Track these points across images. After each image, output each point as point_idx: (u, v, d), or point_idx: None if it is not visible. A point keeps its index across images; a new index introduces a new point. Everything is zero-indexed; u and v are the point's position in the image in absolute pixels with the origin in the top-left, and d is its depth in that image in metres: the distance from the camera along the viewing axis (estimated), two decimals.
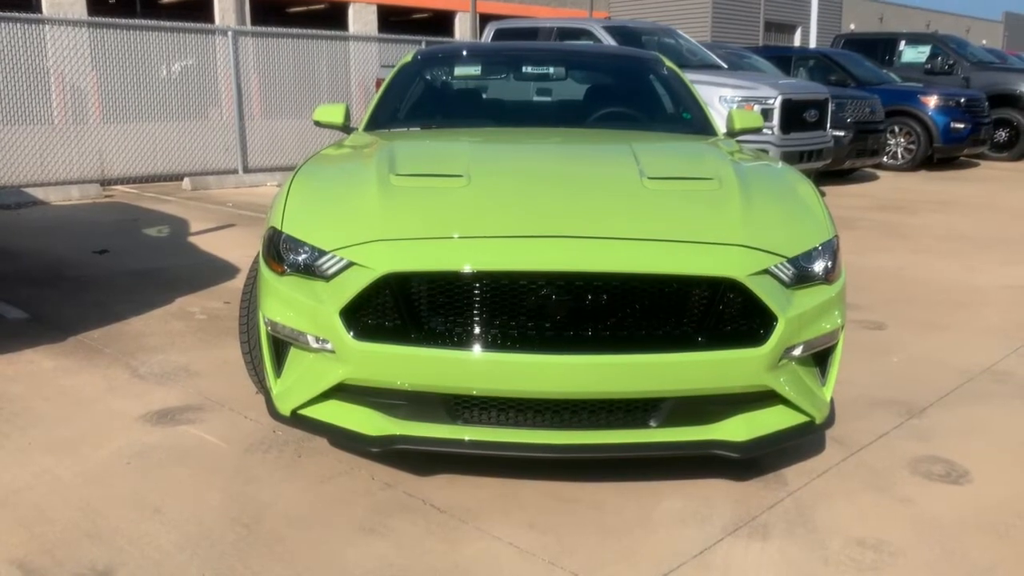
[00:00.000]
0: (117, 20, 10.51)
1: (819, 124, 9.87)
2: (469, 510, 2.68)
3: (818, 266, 2.80)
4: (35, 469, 2.94)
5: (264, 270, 2.89)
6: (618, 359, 2.52)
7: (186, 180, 10.29)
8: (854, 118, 11.32)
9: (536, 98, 5.01)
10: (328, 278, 2.67)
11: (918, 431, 3.36)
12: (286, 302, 2.75)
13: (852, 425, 3.36)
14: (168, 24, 10.78)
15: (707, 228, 2.72)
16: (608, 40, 10.23)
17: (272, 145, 11.34)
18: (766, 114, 9.16)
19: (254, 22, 23.56)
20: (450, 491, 2.79)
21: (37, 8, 20.40)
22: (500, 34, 11.43)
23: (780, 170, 3.49)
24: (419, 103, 4.64)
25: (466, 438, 2.65)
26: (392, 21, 28.54)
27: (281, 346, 2.85)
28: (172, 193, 9.85)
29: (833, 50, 15.67)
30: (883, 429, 3.36)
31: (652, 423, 2.66)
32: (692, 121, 4.41)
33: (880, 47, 16.22)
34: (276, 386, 2.86)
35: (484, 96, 4.93)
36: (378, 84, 11.81)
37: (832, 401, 2.95)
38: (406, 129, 4.28)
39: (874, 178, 12.34)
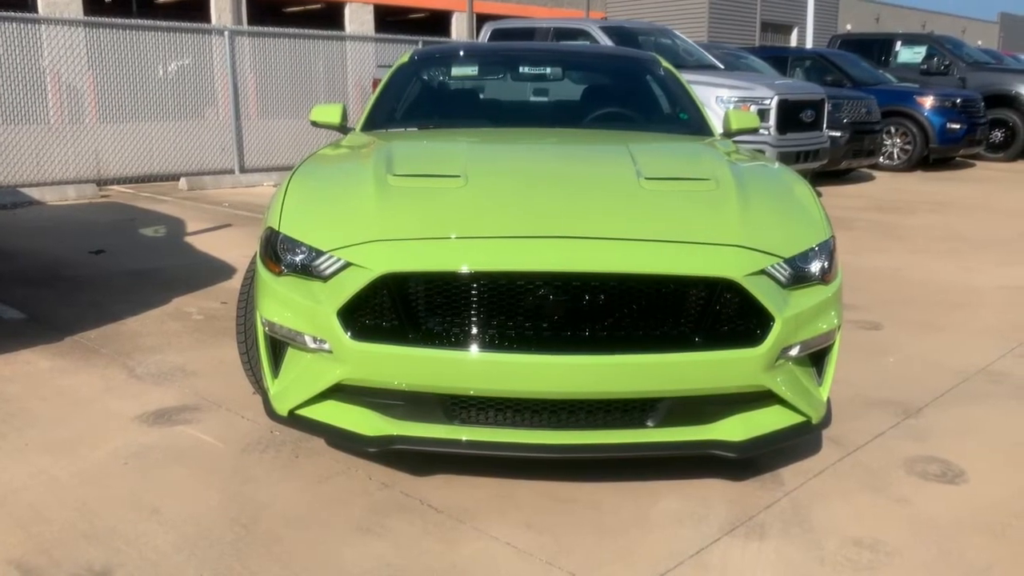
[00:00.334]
0: (113, 20, 10.49)
1: (815, 124, 9.89)
2: (466, 510, 2.69)
3: (814, 266, 2.80)
4: (32, 469, 2.94)
5: (261, 270, 2.89)
6: (615, 359, 2.52)
7: (182, 180, 10.28)
8: (850, 118, 11.34)
9: (533, 98, 5.01)
10: (326, 278, 2.67)
11: (914, 431, 3.37)
12: (283, 302, 2.75)
13: (848, 425, 3.37)
14: (164, 24, 10.77)
15: (704, 228, 2.72)
16: (605, 40, 10.24)
17: (268, 145, 11.33)
18: (762, 114, 9.17)
19: (251, 22, 23.53)
20: (447, 491, 2.80)
21: (33, 8, 20.35)
22: (497, 34, 11.44)
23: (777, 171, 3.50)
24: (416, 103, 4.65)
25: (463, 438, 2.65)
26: (389, 21, 28.52)
27: (278, 346, 2.85)
28: (168, 193, 9.84)
29: (829, 50, 15.71)
30: (879, 429, 3.37)
31: (649, 423, 2.67)
32: (689, 122, 4.42)
33: (876, 47, 16.25)
34: (273, 386, 2.86)
35: (481, 96, 4.93)
36: (375, 84, 11.81)
37: (829, 401, 2.96)
38: (403, 129, 4.28)
39: (870, 178, 12.36)
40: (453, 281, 2.56)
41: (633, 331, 2.57)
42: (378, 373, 2.61)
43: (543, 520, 2.63)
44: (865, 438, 3.28)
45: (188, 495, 2.77)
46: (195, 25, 11.40)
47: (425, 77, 4.86)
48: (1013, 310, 5.23)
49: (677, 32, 11.78)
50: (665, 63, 4.90)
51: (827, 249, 2.88)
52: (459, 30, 29.40)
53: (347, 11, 27.32)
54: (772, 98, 9.28)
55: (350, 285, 2.58)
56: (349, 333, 2.59)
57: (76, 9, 20.83)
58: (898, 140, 13.18)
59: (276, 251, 2.82)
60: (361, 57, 12.83)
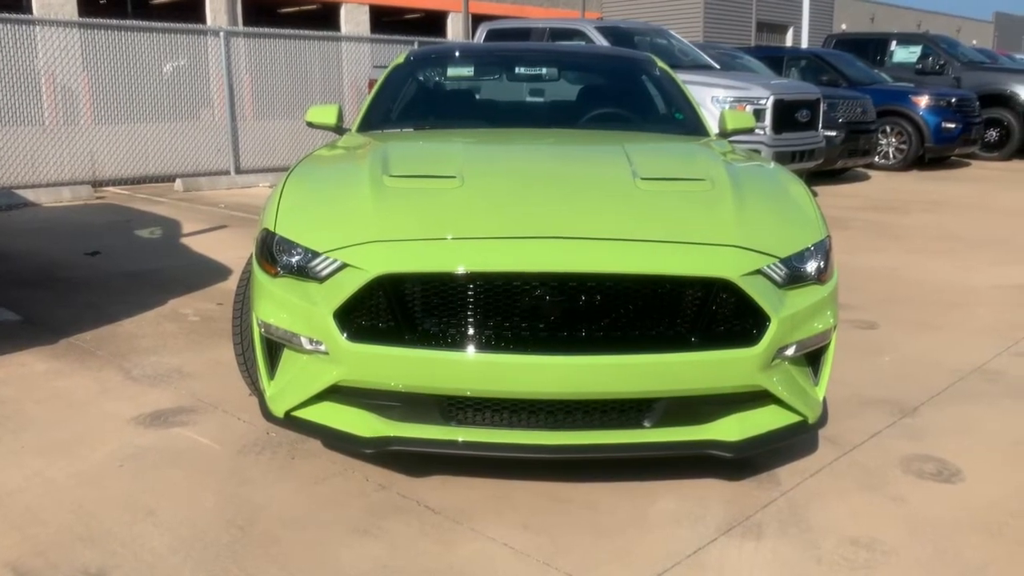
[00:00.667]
0: (108, 21, 10.47)
1: (811, 124, 9.90)
2: (463, 511, 2.68)
3: (810, 266, 2.81)
4: (28, 472, 2.93)
5: (257, 272, 2.88)
6: (612, 360, 2.52)
7: (178, 181, 10.26)
8: (846, 118, 11.36)
9: (529, 99, 5.01)
10: (322, 280, 2.66)
11: (910, 430, 3.37)
12: (279, 304, 2.75)
13: (845, 424, 3.37)
14: (159, 25, 10.75)
15: (700, 229, 2.72)
16: (600, 40, 10.24)
17: (264, 146, 11.32)
18: (758, 114, 9.18)
19: (246, 23, 23.52)
20: (444, 492, 2.80)
21: (28, 9, 20.31)
22: (492, 35, 11.43)
23: (772, 170, 3.50)
24: (412, 104, 4.64)
25: (460, 439, 2.65)
26: (384, 21, 28.51)
27: (274, 348, 2.85)
28: (164, 194, 9.82)
29: (825, 50, 15.72)
30: (875, 428, 3.37)
31: (646, 423, 2.67)
32: (684, 122, 4.42)
33: (871, 47, 16.28)
34: (270, 388, 2.86)
35: (477, 97, 4.93)
36: (370, 85, 11.81)
37: (825, 400, 2.96)
38: (399, 130, 4.28)
39: (866, 178, 12.38)
40: (449, 282, 2.55)
41: (629, 331, 2.57)
42: (374, 374, 2.61)
43: (540, 521, 2.63)
44: (861, 437, 3.28)
45: (184, 497, 2.77)
46: (190, 26, 11.38)
47: (421, 78, 4.86)
48: (1009, 309, 5.24)
49: (673, 32, 11.79)
50: (661, 63, 4.90)
51: (823, 249, 2.88)
52: (455, 30, 29.40)
53: (343, 11, 27.31)
54: (768, 98, 9.29)
55: (346, 286, 2.58)
56: (345, 334, 2.58)
57: (71, 10, 20.80)
58: (893, 139, 13.21)
59: (272, 252, 2.82)
60: (357, 58, 12.83)
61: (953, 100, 13.21)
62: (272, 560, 2.42)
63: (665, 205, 2.90)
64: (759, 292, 2.61)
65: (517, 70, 4.85)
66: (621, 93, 4.82)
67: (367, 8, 27.57)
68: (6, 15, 9.53)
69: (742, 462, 2.93)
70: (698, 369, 2.58)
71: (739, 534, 2.58)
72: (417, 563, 2.42)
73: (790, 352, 2.72)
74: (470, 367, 2.54)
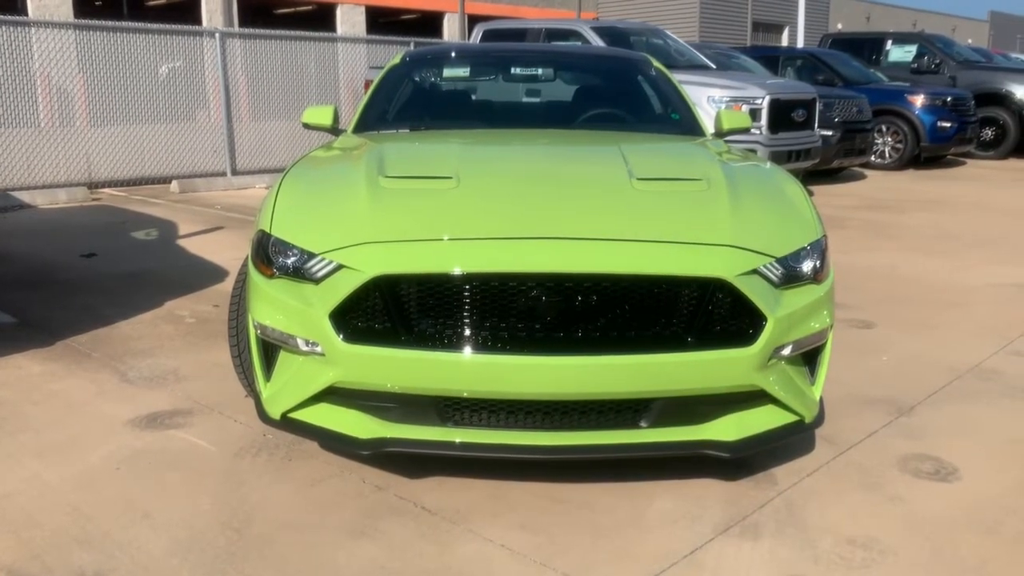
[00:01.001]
0: (104, 22, 10.45)
1: (807, 124, 9.91)
2: (460, 512, 2.68)
3: (806, 266, 2.81)
4: (24, 474, 2.93)
5: (253, 273, 2.88)
6: (608, 360, 2.52)
7: (174, 183, 10.25)
8: (842, 118, 11.37)
9: (525, 99, 5.01)
10: (317, 281, 2.66)
11: (907, 429, 3.37)
12: (275, 305, 2.74)
13: (842, 423, 3.37)
14: (155, 26, 10.74)
15: (696, 229, 2.72)
16: (596, 41, 10.24)
17: (261, 147, 11.31)
18: (754, 114, 9.19)
19: (242, 24, 23.49)
20: (441, 493, 2.79)
21: (23, 10, 20.28)
22: (488, 35, 11.43)
23: (768, 170, 3.50)
24: (408, 105, 4.64)
25: (457, 440, 2.64)
26: (381, 22, 28.50)
27: (271, 349, 2.84)
28: (160, 196, 9.81)
29: (820, 50, 15.74)
30: (872, 427, 3.37)
31: (643, 423, 2.67)
32: (680, 122, 4.42)
33: (867, 47, 16.29)
34: (266, 389, 2.85)
35: (473, 97, 4.93)
36: (366, 85, 11.79)
37: (821, 400, 2.96)
38: (395, 131, 4.27)
39: (862, 177, 12.39)
40: (445, 283, 2.55)
41: (626, 331, 2.57)
42: (371, 376, 2.60)
43: (537, 521, 2.63)
44: (858, 436, 3.28)
45: (181, 499, 2.76)
46: (186, 28, 11.37)
47: (417, 78, 4.85)
48: (1004, 308, 5.25)
49: (669, 32, 11.79)
50: (656, 63, 4.90)
51: (819, 248, 2.88)
52: (451, 31, 29.39)
53: (339, 12, 27.29)
54: (764, 98, 9.30)
55: (342, 287, 2.58)
56: (341, 336, 2.58)
57: (66, 11, 20.76)
58: (889, 139, 13.23)
59: (268, 254, 2.81)
60: (353, 58, 12.82)
61: (949, 99, 13.23)
62: (268, 562, 2.41)
63: (661, 205, 2.90)
64: (755, 292, 2.61)
65: (513, 71, 4.85)
66: (617, 93, 4.82)
67: (363, 9, 27.56)
68: (1, 17, 9.51)
69: (739, 462, 2.93)
70: (694, 369, 2.58)
71: (736, 534, 2.58)
72: (414, 564, 2.41)
73: (786, 352, 2.72)
74: (467, 368, 2.54)
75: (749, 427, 2.71)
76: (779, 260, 2.72)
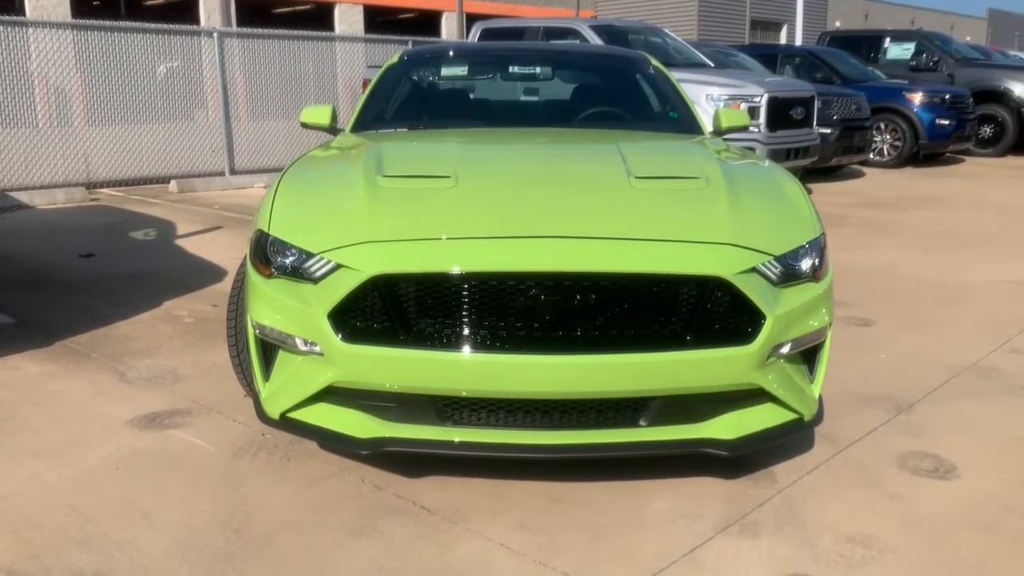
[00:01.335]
0: (102, 22, 10.44)
1: (805, 122, 9.91)
2: (459, 511, 2.68)
3: (805, 264, 2.80)
4: (23, 475, 2.92)
5: (251, 273, 2.87)
6: (607, 359, 2.52)
7: (173, 183, 10.24)
8: (840, 115, 11.37)
9: (523, 98, 5.01)
10: (316, 280, 2.66)
11: (906, 427, 3.37)
12: (274, 305, 2.74)
13: (841, 422, 3.37)
14: (153, 26, 10.73)
15: (694, 227, 2.72)
16: (595, 39, 10.24)
17: (259, 147, 11.30)
18: (753, 112, 9.19)
19: (240, 23, 23.47)
20: (440, 492, 2.79)
21: (20, 10, 20.26)
22: (487, 34, 11.43)
23: (767, 168, 3.50)
24: (406, 104, 4.64)
25: (456, 439, 2.64)
26: (379, 21, 28.49)
27: (269, 349, 2.84)
28: (159, 196, 9.80)
29: (819, 48, 15.73)
30: (871, 425, 3.37)
31: (642, 422, 2.66)
32: (679, 120, 4.42)
33: (865, 44, 16.28)
34: (265, 389, 2.85)
35: (471, 96, 4.92)
36: (365, 84, 11.79)
37: (821, 398, 2.96)
38: (393, 130, 4.27)
39: (860, 175, 12.39)
40: (444, 282, 2.55)
41: (624, 330, 2.57)
42: (369, 375, 2.60)
43: (536, 520, 2.63)
44: (858, 434, 3.28)
45: (180, 499, 2.76)
46: (184, 27, 11.36)
47: (415, 78, 4.85)
48: (1003, 305, 5.25)
49: (667, 31, 11.78)
50: (655, 62, 4.90)
51: (818, 246, 2.88)
52: (449, 30, 29.38)
53: (337, 11, 27.28)
54: (762, 96, 9.30)
55: (341, 287, 2.57)
56: (340, 335, 2.58)
57: (64, 11, 20.75)
58: (888, 136, 13.22)
59: (266, 253, 2.81)
60: (351, 58, 12.81)
61: (947, 97, 13.23)
62: (268, 563, 2.41)
63: (659, 203, 2.89)
64: (754, 290, 2.61)
65: (511, 69, 4.85)
66: (615, 92, 4.82)
67: (361, 8, 27.55)
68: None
69: (739, 460, 2.93)
70: (693, 367, 2.58)
71: (736, 532, 2.58)
72: (414, 564, 2.41)
73: (785, 350, 2.72)
74: (465, 367, 2.53)
75: (748, 425, 2.71)
76: (778, 258, 2.72)
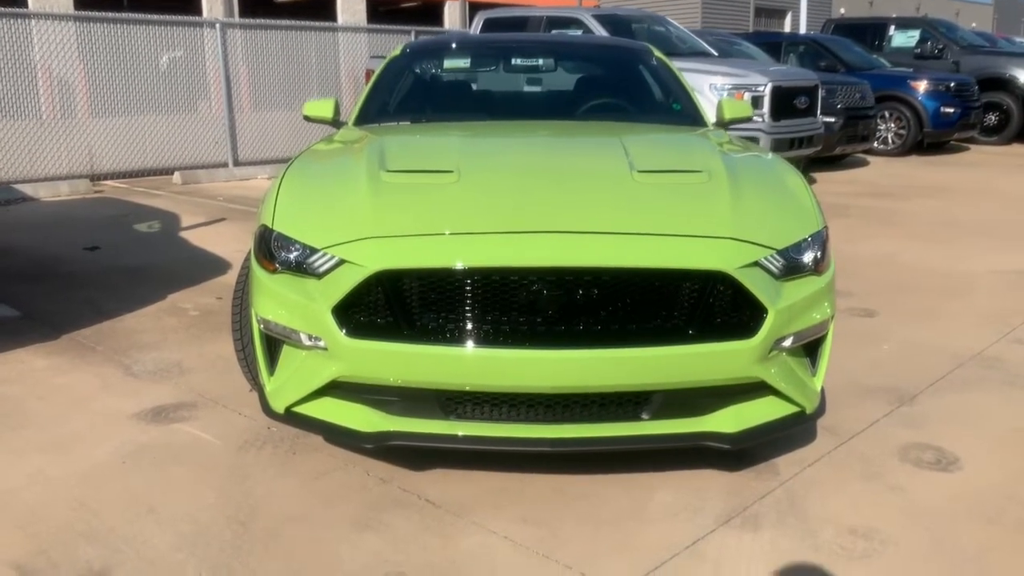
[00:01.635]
0: (104, 14, 10.43)
1: (809, 111, 9.88)
2: (464, 504, 2.70)
3: (807, 257, 2.81)
4: (29, 469, 2.95)
5: (256, 268, 2.89)
6: (609, 353, 2.53)
7: (176, 174, 10.25)
8: (844, 104, 11.33)
9: (526, 89, 5.01)
10: (320, 276, 2.67)
11: (909, 418, 3.38)
12: (278, 300, 2.75)
13: (843, 413, 3.38)
14: (155, 17, 10.71)
15: (697, 221, 2.73)
16: (598, 29, 10.20)
17: (262, 138, 11.30)
18: (756, 101, 9.16)
19: (242, 14, 23.38)
20: (445, 485, 2.81)
21: (23, 2, 20.23)
22: (489, 23, 11.39)
23: (769, 161, 3.50)
24: (409, 97, 4.64)
25: (460, 433, 2.66)
26: (381, 11, 28.39)
27: (274, 344, 2.86)
28: (162, 188, 9.82)
29: (823, 36, 15.66)
30: (874, 417, 3.38)
31: (644, 415, 2.68)
32: (682, 112, 4.41)
33: (870, 32, 16.21)
34: (270, 384, 2.87)
35: (474, 89, 4.92)
36: (367, 75, 11.78)
37: (823, 391, 2.97)
38: (396, 123, 4.27)
39: (864, 164, 12.36)
40: (447, 277, 2.56)
41: (626, 324, 2.58)
42: (373, 370, 2.61)
43: (540, 513, 2.65)
44: (860, 426, 3.29)
45: (186, 493, 2.78)
46: (186, 18, 11.33)
47: (417, 70, 4.84)
48: (1007, 295, 5.25)
49: (671, 19, 11.74)
50: (658, 53, 4.89)
51: (820, 240, 2.89)
52: (452, 19, 29.29)
53: (339, 1, 27.18)
54: (766, 85, 9.27)
55: (344, 282, 2.59)
56: (344, 330, 2.59)
57: (66, 2, 20.71)
58: (892, 125, 13.18)
59: (270, 249, 2.82)
60: (354, 48, 12.78)
61: (952, 85, 13.18)
62: (273, 556, 2.43)
63: (662, 198, 2.90)
64: (756, 284, 2.61)
65: (514, 61, 4.85)
66: (618, 83, 4.81)
67: None
68: (2, 9, 9.50)
69: (741, 452, 2.94)
70: (695, 361, 2.59)
71: (737, 525, 2.60)
72: (419, 557, 2.43)
73: (787, 343, 2.73)
74: (468, 362, 2.55)
75: (750, 418, 2.72)
76: (780, 252, 2.72)
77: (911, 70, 13.99)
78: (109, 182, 10.07)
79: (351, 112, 4.41)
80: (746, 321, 2.63)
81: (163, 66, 10.78)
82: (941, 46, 15.28)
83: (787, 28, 34.06)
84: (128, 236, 7.05)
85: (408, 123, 4.28)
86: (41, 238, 6.94)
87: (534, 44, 5.39)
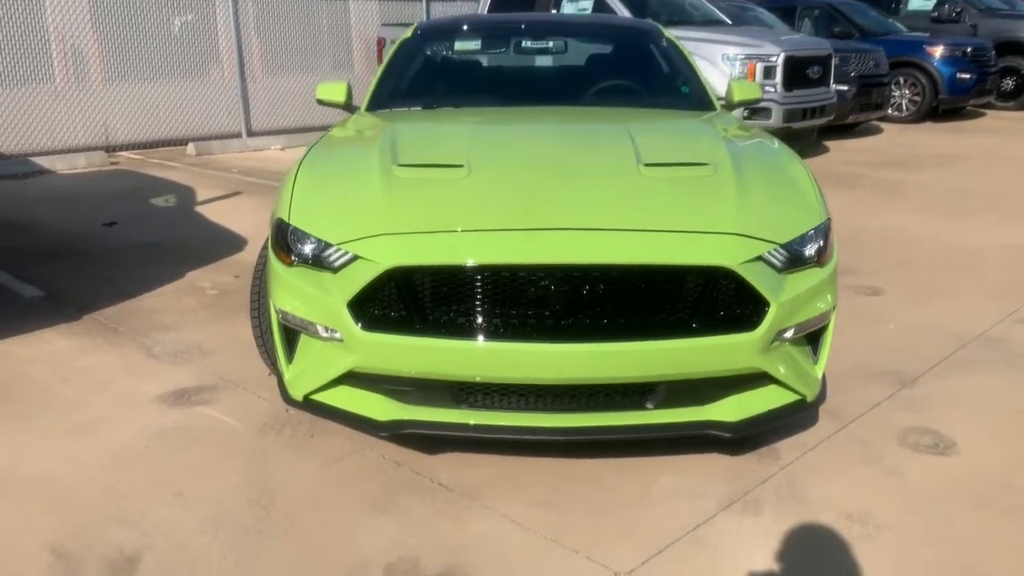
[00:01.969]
0: None
1: (822, 80, 9.82)
2: (476, 489, 2.81)
3: (810, 250, 2.87)
4: (59, 453, 3.07)
5: (273, 260, 2.98)
6: (615, 347, 2.62)
7: (190, 145, 10.31)
8: (858, 72, 11.24)
9: (536, 66, 5.04)
10: (335, 270, 2.76)
11: (909, 401, 3.46)
12: (295, 293, 2.85)
13: (845, 396, 3.46)
14: None
15: (702, 217, 2.79)
16: None
17: (275, 107, 11.31)
18: (769, 71, 9.13)
19: None
20: (457, 470, 2.92)
21: None
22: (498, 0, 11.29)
23: (774, 151, 3.55)
24: (420, 80, 4.68)
25: (471, 422, 2.76)
26: None
27: (292, 333, 2.96)
28: (177, 159, 9.89)
29: (838, 0, 15.45)
30: (875, 400, 3.46)
31: (648, 405, 2.77)
32: (690, 95, 4.44)
33: None
34: (288, 372, 2.97)
35: (485, 71, 4.96)
36: (379, 43, 11.75)
37: (824, 377, 3.04)
38: (407, 109, 4.32)
39: (878, 131, 12.27)
40: (458, 274, 2.64)
41: (632, 318, 2.66)
42: (387, 362, 2.71)
43: (548, 498, 2.75)
44: (861, 409, 3.37)
45: (209, 477, 2.90)
46: None
47: (428, 52, 4.88)
48: (1016, 271, 5.26)
49: None
50: (668, 34, 4.91)
51: (822, 232, 2.94)
52: None
53: None
54: (779, 55, 9.22)
55: (359, 278, 2.67)
56: (359, 324, 2.68)
57: None
58: (907, 91, 13.06)
59: (287, 242, 2.91)
60: (365, 15, 12.75)
61: (968, 50, 13.02)
62: (293, 540, 2.55)
63: (667, 192, 2.96)
64: (759, 279, 2.68)
65: (524, 43, 4.88)
66: (627, 65, 4.84)
67: None
68: None
69: (744, 438, 3.03)
70: (699, 354, 2.67)
71: (739, 509, 2.70)
72: (432, 540, 2.54)
73: (789, 335, 2.80)
74: (479, 355, 2.64)
75: (751, 407, 2.81)
76: (783, 246, 2.78)
77: (927, 35, 13.82)
78: (124, 153, 10.14)
79: (364, 96, 4.45)
80: (748, 314, 2.71)
81: (175, 29, 10.77)
82: (959, 9, 15.06)
83: None
84: (145, 210, 7.14)
85: (419, 108, 4.33)
86: (59, 213, 7.03)
87: (544, 24, 5.40)
